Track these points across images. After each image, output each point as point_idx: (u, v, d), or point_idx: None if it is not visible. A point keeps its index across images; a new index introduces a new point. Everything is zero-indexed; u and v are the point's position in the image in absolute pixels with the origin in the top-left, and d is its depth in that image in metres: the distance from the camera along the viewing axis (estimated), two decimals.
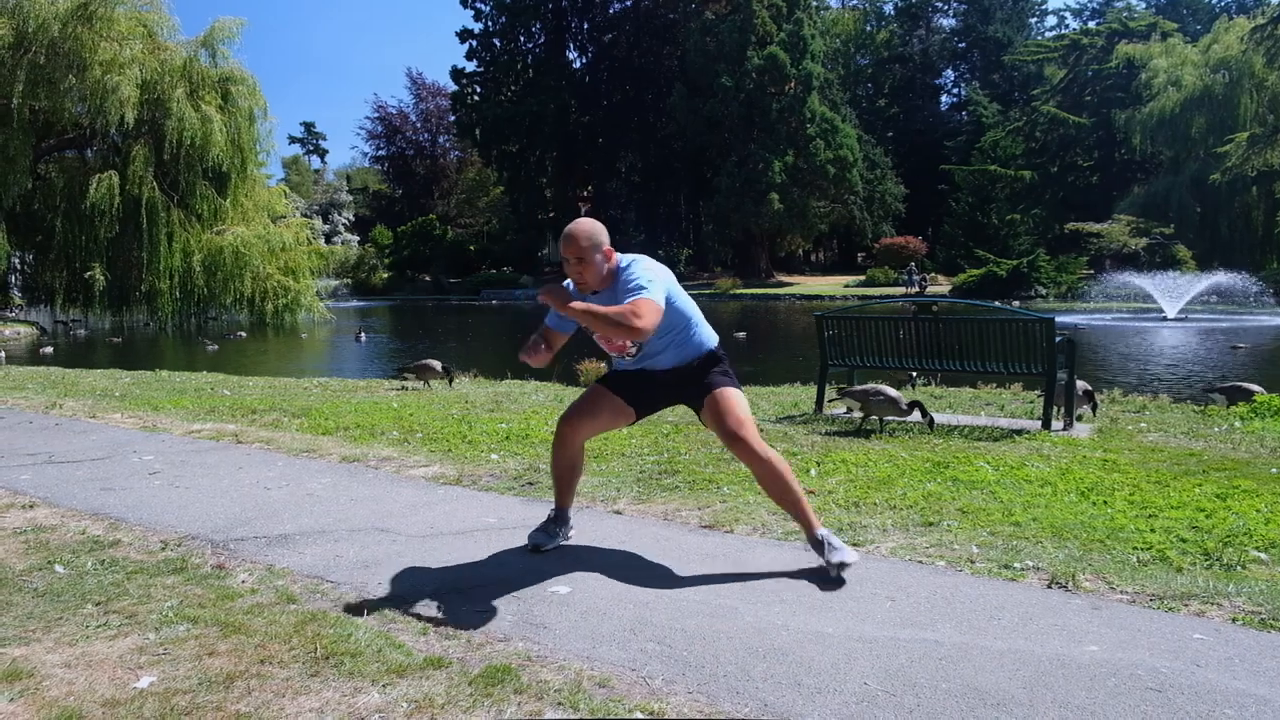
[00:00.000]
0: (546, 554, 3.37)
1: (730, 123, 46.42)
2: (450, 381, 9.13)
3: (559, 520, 3.49)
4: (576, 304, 2.90)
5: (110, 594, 2.95)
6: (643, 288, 2.95)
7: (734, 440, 3.07)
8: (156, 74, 20.80)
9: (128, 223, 20.82)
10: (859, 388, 5.96)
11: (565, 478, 3.43)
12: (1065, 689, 2.24)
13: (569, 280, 3.15)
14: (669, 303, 3.08)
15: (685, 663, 2.43)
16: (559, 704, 2.18)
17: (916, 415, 5.78)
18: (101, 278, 20.83)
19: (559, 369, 9.41)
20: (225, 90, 22.15)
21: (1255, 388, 7.11)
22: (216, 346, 20.53)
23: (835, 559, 3.00)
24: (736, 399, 3.15)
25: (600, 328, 2.92)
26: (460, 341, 23.19)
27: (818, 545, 3.07)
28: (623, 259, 3.10)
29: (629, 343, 3.14)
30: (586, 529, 3.67)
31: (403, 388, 9.15)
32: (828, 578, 3.01)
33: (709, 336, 3.27)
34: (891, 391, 5.81)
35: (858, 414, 5.99)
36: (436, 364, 9.11)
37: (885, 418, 5.92)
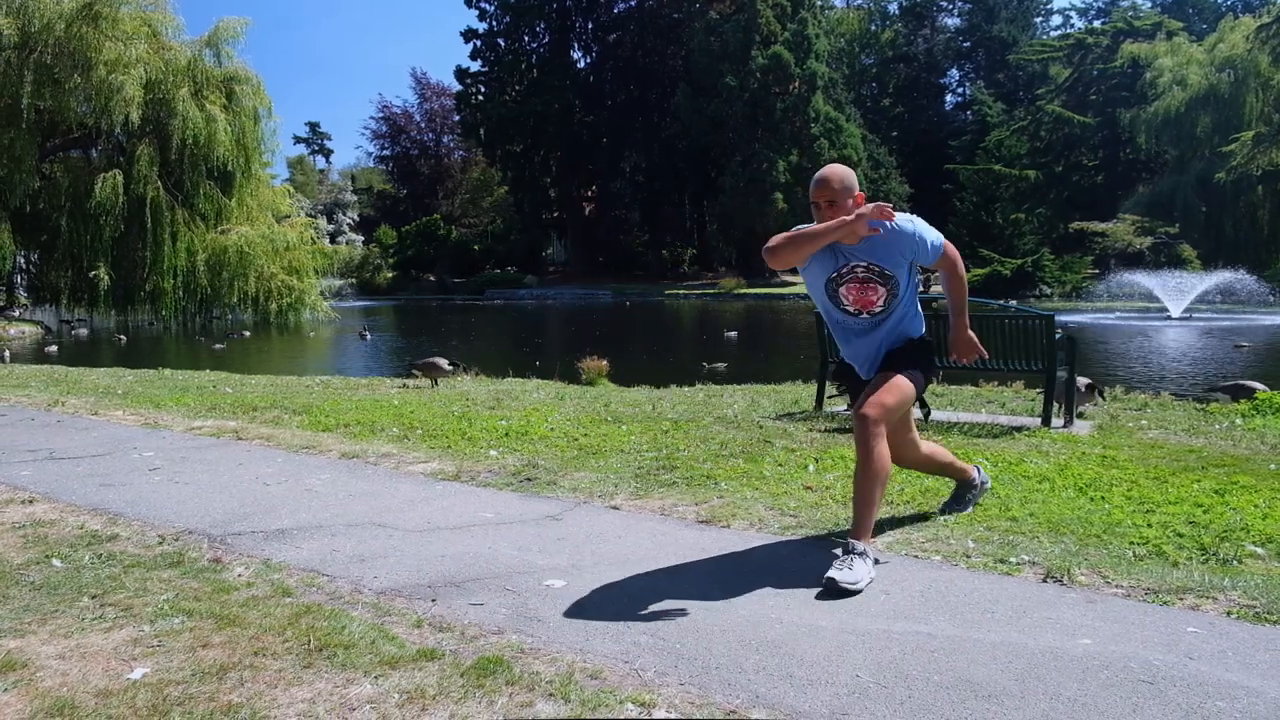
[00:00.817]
0: (544, 548, 3.37)
1: (734, 122, 46.37)
2: (455, 370, 9.19)
3: (966, 486, 3.69)
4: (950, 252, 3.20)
5: (106, 587, 2.96)
6: (939, 234, 3.17)
7: (858, 415, 3.04)
8: (161, 74, 20.82)
9: (132, 222, 20.87)
10: None
11: (926, 466, 3.60)
12: (1057, 681, 2.23)
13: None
14: (910, 272, 3.18)
15: (678, 655, 2.43)
16: (550, 695, 2.19)
17: (915, 411, 5.77)
18: (106, 277, 20.86)
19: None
20: (229, 90, 22.18)
21: (1258, 385, 7.08)
22: (224, 345, 20.61)
23: (838, 572, 2.83)
24: (897, 386, 3.10)
25: (960, 285, 3.28)
26: (463, 340, 23.22)
27: (846, 549, 2.96)
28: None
29: (877, 303, 3.16)
30: (583, 524, 3.68)
31: (405, 385, 9.17)
32: (825, 571, 3.00)
33: (921, 321, 3.32)
34: None
35: None
36: (444, 362, 9.10)
37: None
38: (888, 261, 3.09)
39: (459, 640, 2.53)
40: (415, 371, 9.53)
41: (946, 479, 3.82)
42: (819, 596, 2.82)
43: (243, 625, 2.62)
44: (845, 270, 3.12)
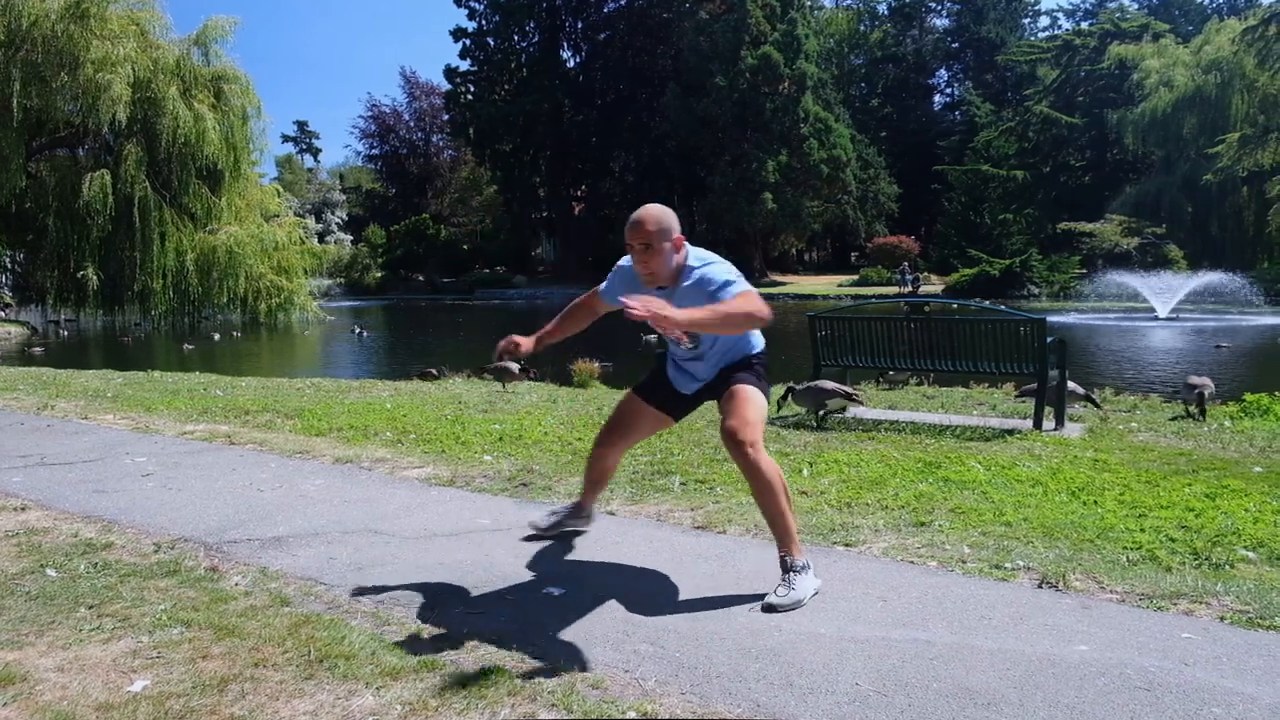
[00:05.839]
0: (540, 555, 3.37)
1: (724, 122, 46.38)
2: (529, 375, 9.49)
3: (574, 511, 3.59)
4: (683, 315, 2.61)
5: (103, 597, 2.94)
6: (732, 282, 2.85)
7: (729, 439, 2.87)
8: (149, 72, 20.68)
9: (120, 222, 20.72)
10: (819, 385, 6.19)
11: (595, 481, 3.53)
12: (1055, 688, 2.25)
13: (627, 263, 3.06)
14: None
15: (679, 664, 2.44)
16: (553, 705, 2.19)
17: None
18: (94, 277, 20.71)
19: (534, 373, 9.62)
20: (218, 89, 22.04)
21: (1202, 380, 6.80)
22: (218, 336, 20.53)
23: (776, 598, 2.81)
24: (750, 398, 2.95)
25: (720, 328, 2.81)
26: (452, 339, 23.16)
27: (784, 568, 2.89)
28: (694, 256, 2.94)
29: (685, 336, 2.86)
30: (579, 530, 3.68)
31: (397, 389, 9.15)
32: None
33: (757, 339, 3.15)
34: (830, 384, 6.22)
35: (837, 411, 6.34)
36: (514, 366, 9.13)
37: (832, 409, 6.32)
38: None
39: (460, 650, 2.53)
40: (487, 375, 9.98)
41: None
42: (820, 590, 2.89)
43: (242, 635, 2.61)
44: None
